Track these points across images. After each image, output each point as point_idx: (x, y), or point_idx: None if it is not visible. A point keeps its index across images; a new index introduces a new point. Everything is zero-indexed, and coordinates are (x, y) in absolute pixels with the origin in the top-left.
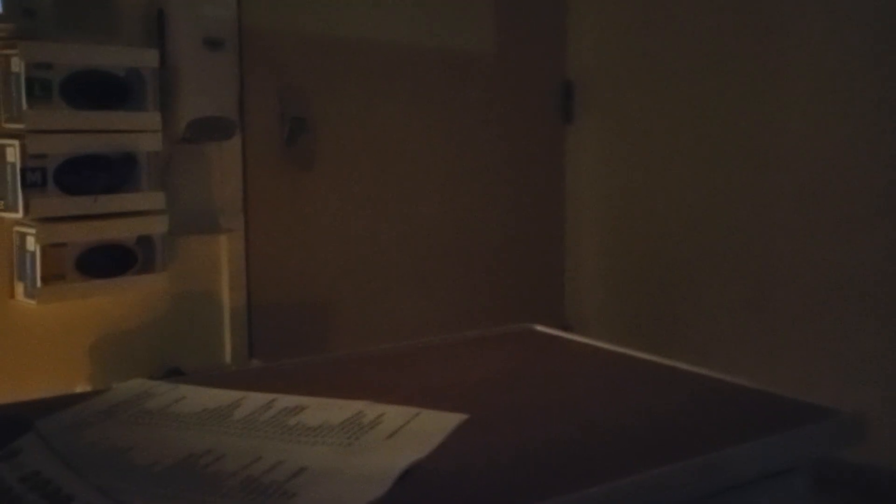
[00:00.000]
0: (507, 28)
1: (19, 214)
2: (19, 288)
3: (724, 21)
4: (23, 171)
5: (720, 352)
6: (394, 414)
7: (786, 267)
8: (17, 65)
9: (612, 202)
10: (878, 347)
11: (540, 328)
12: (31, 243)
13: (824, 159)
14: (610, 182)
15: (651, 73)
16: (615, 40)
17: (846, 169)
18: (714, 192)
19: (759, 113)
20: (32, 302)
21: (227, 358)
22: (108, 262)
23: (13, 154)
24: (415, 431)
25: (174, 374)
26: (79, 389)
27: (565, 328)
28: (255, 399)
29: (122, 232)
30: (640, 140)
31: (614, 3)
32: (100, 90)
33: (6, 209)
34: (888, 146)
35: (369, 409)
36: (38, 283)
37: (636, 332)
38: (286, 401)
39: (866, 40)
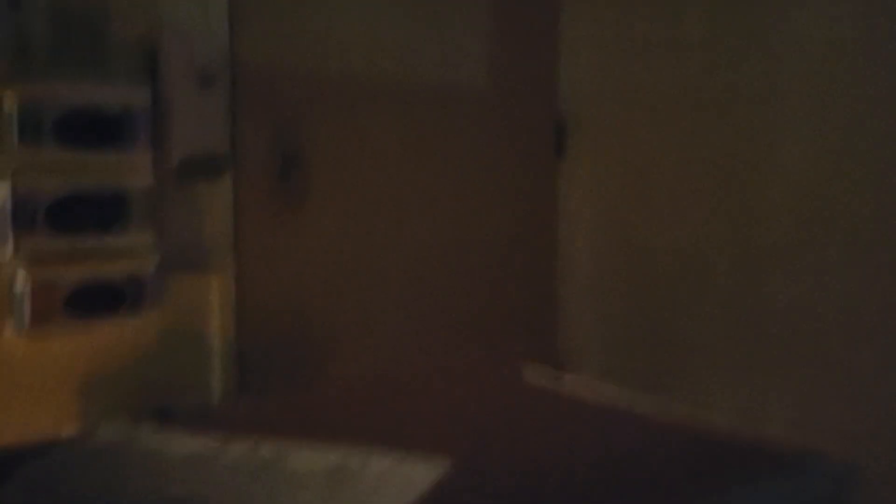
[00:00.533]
0: (499, 64)
1: (8, 254)
2: (8, 326)
3: (718, 59)
4: (13, 210)
5: (714, 386)
6: (378, 460)
7: (782, 303)
8: (9, 104)
9: (605, 237)
10: (877, 389)
11: (528, 366)
12: (21, 283)
13: (820, 195)
14: (602, 217)
15: (644, 110)
16: (608, 77)
17: (843, 206)
18: (708, 227)
19: (753, 149)
20: (21, 341)
21: (216, 397)
22: (96, 300)
23: (3, 193)
24: (399, 479)
25: (162, 413)
26: (66, 429)
27: (558, 362)
28: (240, 444)
29: (111, 271)
30: (632, 175)
31: (607, 39)
32: (92, 128)
33: None
34: (883, 187)
35: (354, 455)
36: (27, 323)
37: (629, 367)
38: (271, 445)
39: (866, 90)
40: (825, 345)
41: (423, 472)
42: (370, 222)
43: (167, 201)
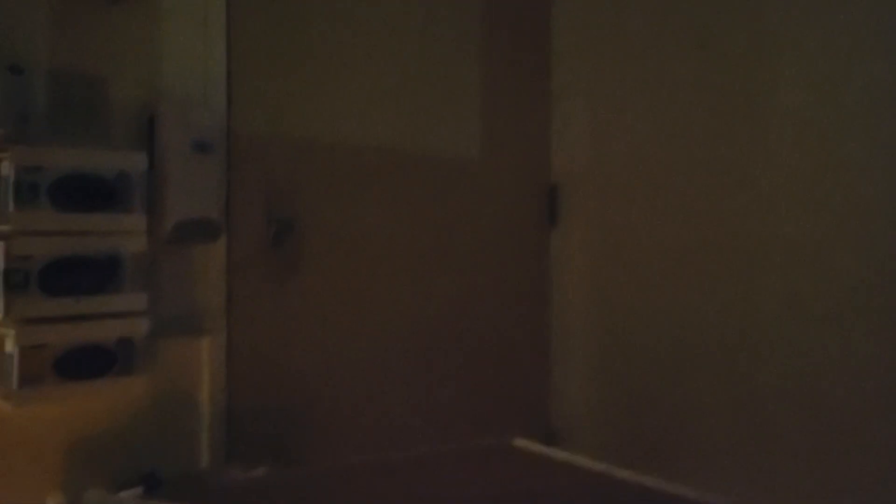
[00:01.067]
0: (492, 134)
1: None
2: None
3: (708, 130)
4: (6, 272)
5: (709, 461)
6: None
7: (778, 374)
8: (7, 168)
9: (598, 305)
10: (878, 466)
11: (520, 442)
12: (11, 345)
13: (813, 260)
14: (595, 284)
15: (635, 177)
16: (599, 144)
17: (834, 272)
18: (701, 296)
19: (744, 214)
20: (9, 404)
21: (205, 463)
22: (87, 363)
23: None
24: None
25: (149, 479)
26: (51, 497)
27: (550, 434)
28: None
29: (102, 334)
30: (624, 243)
31: (598, 107)
32: (87, 192)
33: None
34: (871, 248)
35: None
36: (16, 386)
37: (623, 438)
38: None
39: (850, 136)
40: (817, 424)
41: None
42: (363, 290)
43: (161, 265)
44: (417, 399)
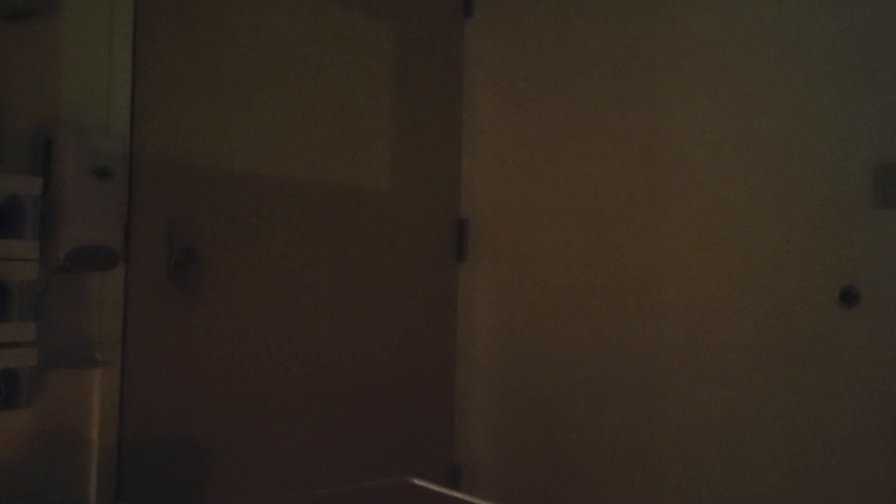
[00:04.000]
0: (402, 167)
1: None
2: None
3: (610, 168)
4: None
5: (608, 499)
6: None
7: (675, 415)
8: None
9: (503, 341)
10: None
11: (418, 482)
12: None
13: (709, 302)
14: (500, 321)
15: (539, 215)
16: (506, 181)
17: (728, 315)
18: (603, 336)
19: (644, 256)
20: None
21: (93, 501)
22: None
23: None
24: None
25: None
26: None
27: (453, 469)
28: None
29: None
30: (529, 280)
31: (506, 145)
32: None
33: None
34: (762, 292)
35: None
36: None
37: (526, 475)
38: None
39: (742, 185)
40: (711, 466)
41: None
42: (265, 323)
43: (53, 293)
44: (320, 436)
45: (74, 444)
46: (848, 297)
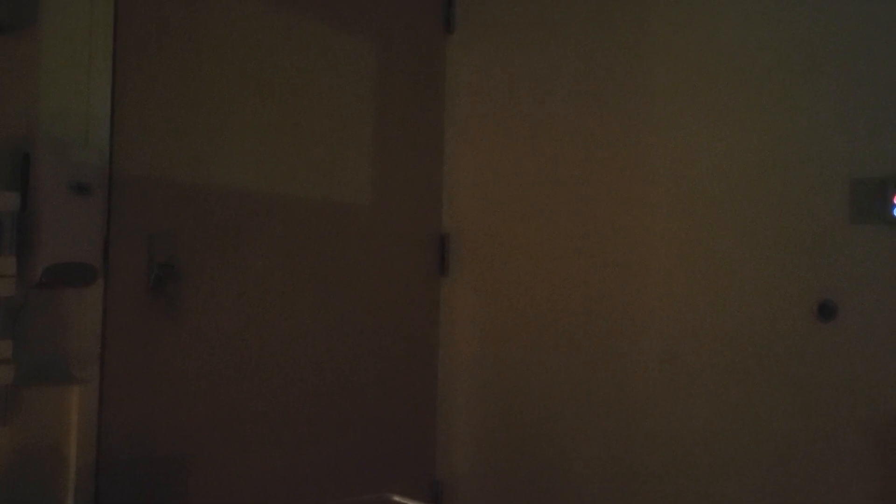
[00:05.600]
0: (384, 182)
1: None
2: None
3: (591, 183)
4: None
5: None
6: None
7: (652, 429)
8: None
9: (485, 356)
10: None
11: (398, 498)
12: None
13: (689, 318)
14: (482, 336)
15: (521, 230)
16: (488, 196)
17: (708, 329)
18: (584, 352)
19: (625, 270)
20: None
21: None
22: None
23: None
24: None
25: None
26: None
27: (434, 485)
28: None
29: None
30: (511, 295)
31: (488, 160)
32: None
33: None
34: (743, 306)
35: None
36: None
37: (507, 491)
38: None
39: (722, 196)
40: (696, 477)
41: None
42: (246, 338)
43: (31, 309)
44: (301, 452)
45: (52, 462)
46: (826, 311)
